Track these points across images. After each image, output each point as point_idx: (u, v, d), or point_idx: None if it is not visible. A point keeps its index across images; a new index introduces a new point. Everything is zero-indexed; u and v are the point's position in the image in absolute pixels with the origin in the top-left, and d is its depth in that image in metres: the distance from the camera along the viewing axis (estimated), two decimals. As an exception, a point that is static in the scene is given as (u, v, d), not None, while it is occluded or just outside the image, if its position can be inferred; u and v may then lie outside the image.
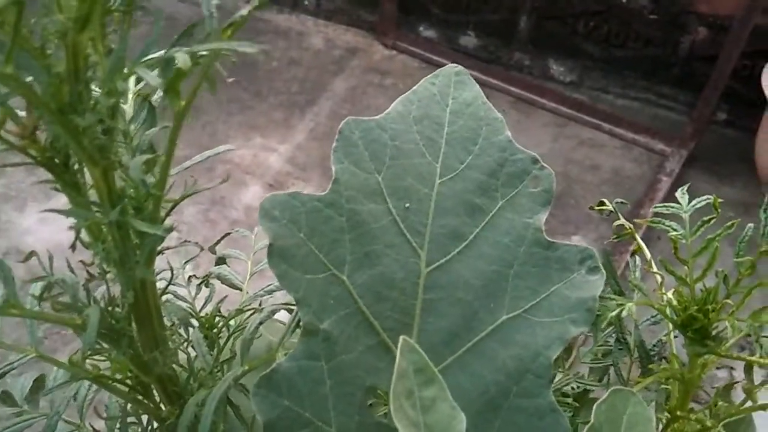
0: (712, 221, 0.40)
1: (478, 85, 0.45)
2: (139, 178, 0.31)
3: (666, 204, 0.42)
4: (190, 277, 0.51)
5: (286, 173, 1.77)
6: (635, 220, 0.48)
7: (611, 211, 0.56)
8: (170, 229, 0.34)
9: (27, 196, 1.67)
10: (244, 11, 0.28)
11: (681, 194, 0.43)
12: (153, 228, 0.32)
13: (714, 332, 0.39)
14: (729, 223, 0.39)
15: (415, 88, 0.45)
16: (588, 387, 0.49)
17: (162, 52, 0.36)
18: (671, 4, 1.73)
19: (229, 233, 0.62)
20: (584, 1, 1.80)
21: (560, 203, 1.71)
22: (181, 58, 0.25)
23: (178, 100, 0.31)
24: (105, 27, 0.30)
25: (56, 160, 0.32)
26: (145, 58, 0.30)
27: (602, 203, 0.57)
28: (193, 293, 0.50)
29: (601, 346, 0.54)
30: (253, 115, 1.91)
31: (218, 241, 0.58)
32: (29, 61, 0.27)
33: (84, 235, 0.35)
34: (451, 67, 0.46)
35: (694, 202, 0.42)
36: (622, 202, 0.55)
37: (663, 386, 0.44)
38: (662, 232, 0.53)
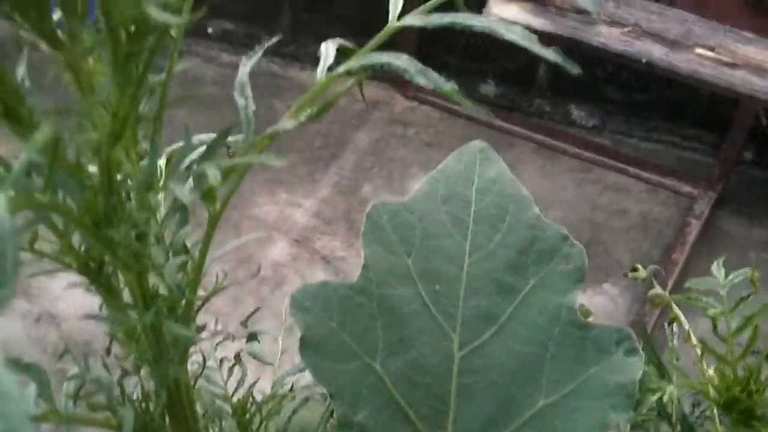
0: (750, 298, 0.39)
1: (502, 161, 0.45)
2: (175, 283, 0.31)
3: (703, 278, 0.42)
4: (221, 359, 0.50)
5: (312, 228, 1.78)
6: (671, 297, 0.47)
7: (644, 277, 0.55)
8: (203, 328, 0.34)
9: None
10: (281, 121, 0.29)
11: (717, 267, 0.43)
12: (187, 330, 0.32)
13: (759, 411, 0.38)
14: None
15: (440, 166, 0.45)
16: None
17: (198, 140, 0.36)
18: (690, 47, 1.73)
19: (258, 308, 0.62)
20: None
21: (589, 251, 1.67)
22: (212, 175, 0.25)
23: (214, 204, 0.32)
24: (137, 135, 0.31)
25: (91, 265, 0.33)
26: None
27: (635, 269, 0.56)
28: (225, 376, 0.50)
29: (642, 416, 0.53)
30: (277, 171, 1.94)
31: (249, 317, 0.58)
32: (63, 177, 0.28)
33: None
34: (476, 143, 0.46)
35: (731, 277, 0.42)
36: (657, 268, 0.54)
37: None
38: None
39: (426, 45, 2.01)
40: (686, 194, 1.76)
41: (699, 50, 0.39)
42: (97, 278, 0.33)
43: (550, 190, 1.82)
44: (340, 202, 1.85)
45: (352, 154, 1.95)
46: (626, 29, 0.39)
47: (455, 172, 0.45)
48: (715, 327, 0.41)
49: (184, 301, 0.33)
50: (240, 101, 0.33)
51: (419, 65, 0.29)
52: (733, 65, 0.39)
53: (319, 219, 1.80)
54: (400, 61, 0.29)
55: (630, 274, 0.56)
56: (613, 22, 0.39)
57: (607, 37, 0.37)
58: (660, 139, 1.89)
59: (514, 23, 0.28)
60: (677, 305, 0.50)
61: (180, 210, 0.37)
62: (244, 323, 0.59)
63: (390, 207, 0.43)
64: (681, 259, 1.62)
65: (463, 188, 0.44)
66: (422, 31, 1.95)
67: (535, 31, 0.29)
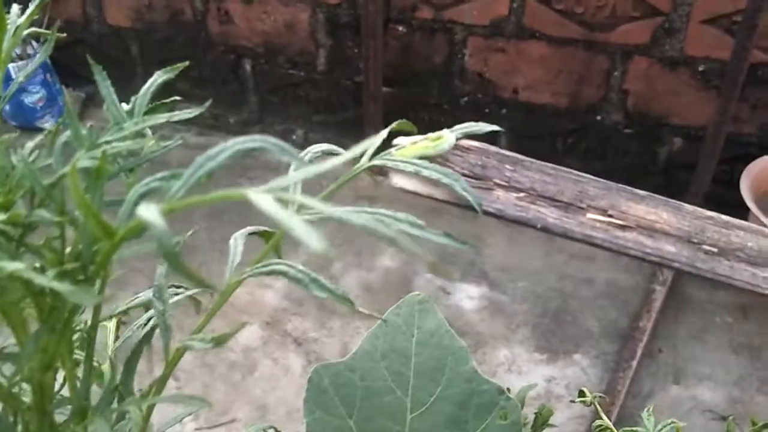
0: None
1: (440, 313, 0.47)
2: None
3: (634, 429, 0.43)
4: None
5: (283, 310, 1.78)
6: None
7: (591, 402, 0.56)
8: None
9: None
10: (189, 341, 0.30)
11: (647, 415, 0.44)
12: None
13: None
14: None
15: (379, 322, 0.47)
16: None
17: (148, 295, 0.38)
18: (644, 119, 1.79)
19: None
20: (559, 121, 1.87)
21: (558, 320, 1.71)
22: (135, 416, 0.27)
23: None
24: (72, 353, 0.32)
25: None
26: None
27: (582, 393, 0.58)
28: None
29: None
30: (246, 252, 1.94)
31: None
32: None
33: None
34: (414, 296, 0.48)
35: (659, 427, 0.43)
36: (601, 396, 0.56)
37: None
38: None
39: (392, 121, 2.05)
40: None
41: (591, 214, 0.41)
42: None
43: (519, 260, 1.85)
44: (310, 281, 1.85)
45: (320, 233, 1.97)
46: (522, 194, 0.41)
47: (395, 326, 0.46)
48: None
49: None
50: (157, 305, 0.34)
51: (311, 275, 0.31)
52: (624, 227, 0.41)
53: (289, 300, 1.80)
54: (295, 271, 0.31)
55: (577, 400, 0.58)
56: (510, 187, 0.41)
57: (504, 202, 0.40)
58: (621, 206, 1.93)
59: (400, 219, 0.30)
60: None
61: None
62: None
63: (332, 368, 0.44)
64: (648, 327, 1.65)
65: (403, 341, 0.46)
66: (387, 108, 2.00)
67: (436, 200, 0.31)
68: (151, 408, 0.35)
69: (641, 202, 0.47)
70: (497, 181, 0.44)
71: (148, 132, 0.31)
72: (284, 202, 0.20)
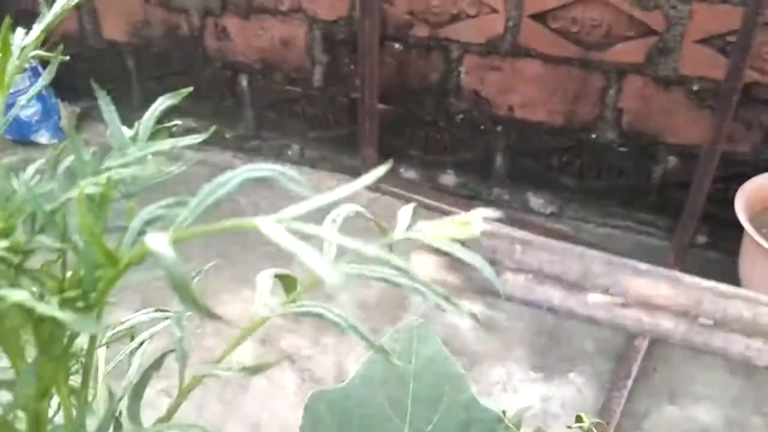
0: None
1: (439, 339, 0.47)
2: None
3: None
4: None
5: (278, 327, 1.78)
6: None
7: (588, 429, 0.56)
8: None
9: None
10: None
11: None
12: None
13: None
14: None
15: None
16: None
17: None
18: (639, 138, 1.80)
19: None
20: (555, 139, 1.87)
21: (553, 339, 1.70)
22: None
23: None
24: (68, 380, 0.32)
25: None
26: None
27: (579, 418, 0.58)
28: None
29: None
30: (242, 268, 1.94)
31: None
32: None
33: None
34: (413, 321, 0.47)
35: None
36: (598, 422, 0.55)
37: None
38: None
39: (388, 138, 2.06)
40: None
41: (593, 293, 0.43)
42: None
43: (513, 278, 1.85)
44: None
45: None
46: (530, 275, 0.43)
47: (392, 353, 0.46)
48: None
49: None
50: (176, 331, 0.34)
51: (349, 320, 0.31)
52: (625, 305, 0.43)
53: (284, 317, 1.79)
54: (333, 315, 0.31)
55: (574, 426, 0.57)
56: (519, 269, 0.43)
57: (513, 285, 0.41)
58: (616, 224, 1.94)
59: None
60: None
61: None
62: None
63: (328, 395, 0.43)
64: (643, 346, 1.64)
65: (401, 368, 0.46)
66: (382, 125, 2.01)
67: (448, 286, 0.31)
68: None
69: (642, 277, 0.49)
70: (507, 264, 0.45)
71: (150, 158, 0.31)
72: (295, 233, 0.20)
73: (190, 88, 0.28)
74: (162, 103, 0.27)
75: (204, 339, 1.79)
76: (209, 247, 1.98)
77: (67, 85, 2.32)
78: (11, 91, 0.32)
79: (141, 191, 0.27)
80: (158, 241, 0.19)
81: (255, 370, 0.29)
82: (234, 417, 1.60)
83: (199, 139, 0.28)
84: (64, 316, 0.22)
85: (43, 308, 0.22)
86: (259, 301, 0.33)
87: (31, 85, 2.21)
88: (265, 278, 0.34)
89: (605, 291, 0.45)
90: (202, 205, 0.21)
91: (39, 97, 2.26)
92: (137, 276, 0.25)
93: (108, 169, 0.25)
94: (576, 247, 0.45)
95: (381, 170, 0.23)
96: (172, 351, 0.37)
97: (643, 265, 0.47)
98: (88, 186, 0.23)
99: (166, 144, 0.26)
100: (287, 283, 0.34)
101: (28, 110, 2.25)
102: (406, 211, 0.30)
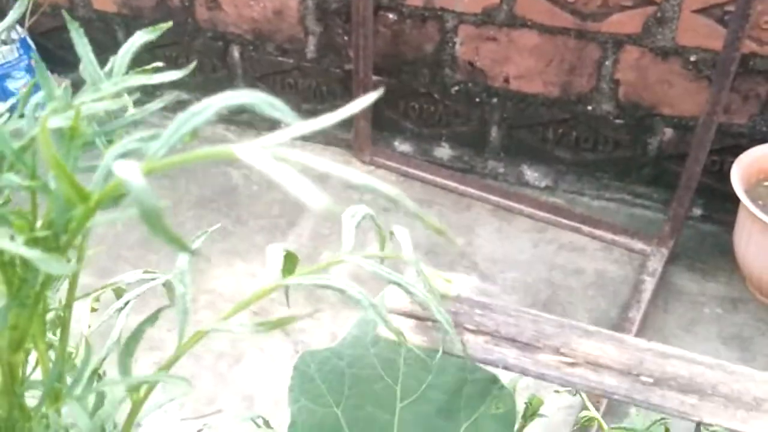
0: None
1: (433, 298, 0.45)
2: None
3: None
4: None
5: (270, 299, 1.76)
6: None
7: (576, 392, 0.55)
8: None
9: None
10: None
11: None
12: None
13: None
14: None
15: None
16: None
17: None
18: (635, 109, 1.78)
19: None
20: (550, 110, 1.86)
21: (547, 311, 1.70)
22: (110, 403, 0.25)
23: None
24: (44, 334, 0.31)
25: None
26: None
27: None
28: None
29: None
30: (235, 241, 1.92)
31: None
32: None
33: None
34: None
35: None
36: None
37: None
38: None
39: (382, 111, 2.04)
40: (639, 251, 1.79)
41: (545, 353, 0.45)
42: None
43: (508, 252, 1.84)
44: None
45: (310, 221, 1.95)
46: (487, 337, 0.44)
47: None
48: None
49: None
50: (179, 288, 0.33)
51: (370, 299, 0.29)
52: (573, 364, 0.46)
53: (277, 289, 1.78)
54: (354, 291, 0.29)
55: (562, 389, 0.57)
56: (478, 331, 0.45)
57: (473, 346, 0.42)
58: (611, 197, 1.93)
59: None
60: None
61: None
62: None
63: (318, 355, 0.42)
64: (637, 318, 1.64)
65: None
66: (376, 100, 1.98)
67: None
68: (148, 391, 0.33)
69: (590, 338, 0.52)
70: (467, 326, 0.47)
71: (129, 100, 0.29)
72: (277, 159, 0.19)
73: (170, 23, 0.27)
74: (139, 38, 0.26)
75: (196, 313, 1.78)
76: (201, 219, 1.96)
77: (57, 57, 2.29)
78: (0, 62, 0.30)
79: (118, 128, 0.26)
80: (129, 170, 0.17)
81: (277, 324, 0.27)
82: (227, 389, 1.60)
83: (178, 76, 0.26)
84: (32, 254, 0.20)
85: (9, 246, 0.21)
86: (271, 270, 0.32)
87: (21, 56, 2.18)
88: (277, 249, 0.33)
89: (556, 351, 0.48)
90: (176, 135, 0.19)
91: (28, 68, 2.23)
92: (109, 217, 0.23)
93: (81, 103, 0.24)
94: (528, 311, 0.48)
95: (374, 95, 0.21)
96: (167, 306, 0.36)
97: (591, 328, 0.51)
98: (55, 118, 0.21)
99: (140, 79, 0.24)
100: (288, 259, 0.33)
101: (16, 82, 2.21)
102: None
